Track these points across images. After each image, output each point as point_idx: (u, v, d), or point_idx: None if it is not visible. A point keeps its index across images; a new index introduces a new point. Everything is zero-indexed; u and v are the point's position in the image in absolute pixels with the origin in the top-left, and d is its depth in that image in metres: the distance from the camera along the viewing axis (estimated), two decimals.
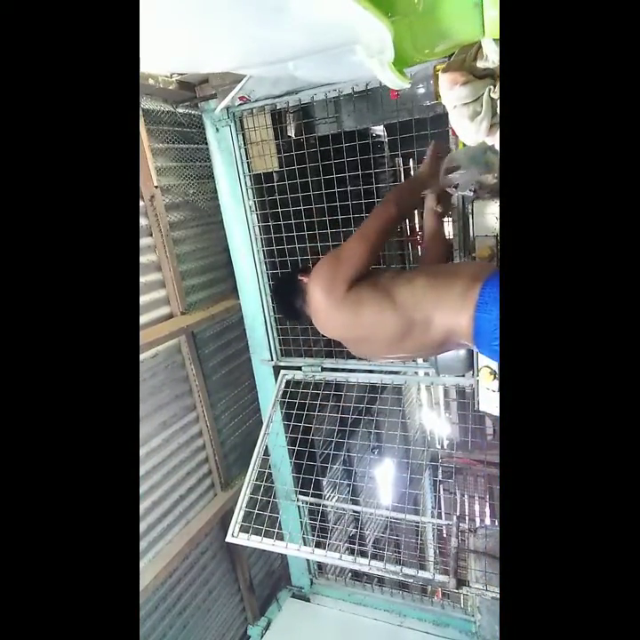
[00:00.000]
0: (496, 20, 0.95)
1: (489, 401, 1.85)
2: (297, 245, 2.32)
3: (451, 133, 1.86)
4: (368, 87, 1.92)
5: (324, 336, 1.52)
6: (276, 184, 2.36)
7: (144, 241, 2.31)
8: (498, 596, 1.85)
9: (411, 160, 4.33)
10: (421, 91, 1.78)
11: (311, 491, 2.71)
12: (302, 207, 2.28)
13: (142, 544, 2.34)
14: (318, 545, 2.16)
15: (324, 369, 2.50)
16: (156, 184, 2.28)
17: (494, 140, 1.35)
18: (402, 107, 2.04)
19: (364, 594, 2.91)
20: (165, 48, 1.44)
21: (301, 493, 2.73)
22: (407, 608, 2.79)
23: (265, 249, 2.42)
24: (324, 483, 3.39)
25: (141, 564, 2.31)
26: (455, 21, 1.01)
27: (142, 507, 2.33)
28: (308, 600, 3.03)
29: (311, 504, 2.77)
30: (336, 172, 2.14)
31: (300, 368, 2.56)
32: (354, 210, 2.18)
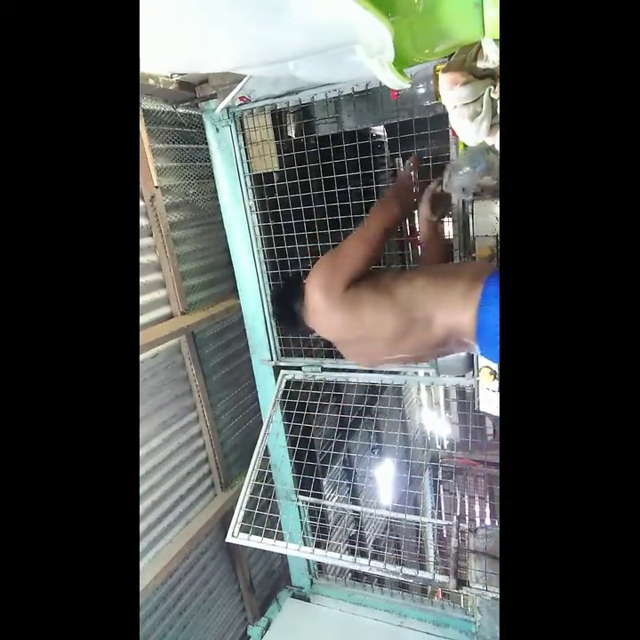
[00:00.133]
0: (496, 20, 0.95)
1: (489, 401, 1.85)
2: (297, 245, 2.32)
3: (451, 133, 1.86)
4: (368, 87, 1.92)
5: None
6: (276, 184, 2.36)
7: (144, 241, 2.32)
8: (498, 597, 1.85)
9: None
10: (421, 91, 1.78)
11: (311, 491, 2.70)
12: (302, 207, 2.28)
13: (142, 544, 2.34)
14: (318, 545, 2.16)
15: (324, 369, 2.49)
16: (156, 184, 2.28)
17: (494, 141, 1.35)
18: (402, 107, 2.04)
19: (364, 594, 2.90)
20: (165, 48, 1.44)
21: (301, 493, 2.73)
22: (407, 608, 2.79)
23: (265, 249, 2.42)
24: (324, 483, 3.39)
25: (141, 564, 2.31)
26: (455, 21, 1.01)
27: (142, 507, 2.33)
28: (308, 600, 3.02)
29: (311, 504, 2.77)
30: (336, 173, 2.14)
31: (300, 368, 2.56)
32: (354, 210, 2.18)
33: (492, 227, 1.70)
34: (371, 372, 2.49)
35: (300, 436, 2.56)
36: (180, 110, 2.37)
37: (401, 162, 4.32)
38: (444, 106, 1.36)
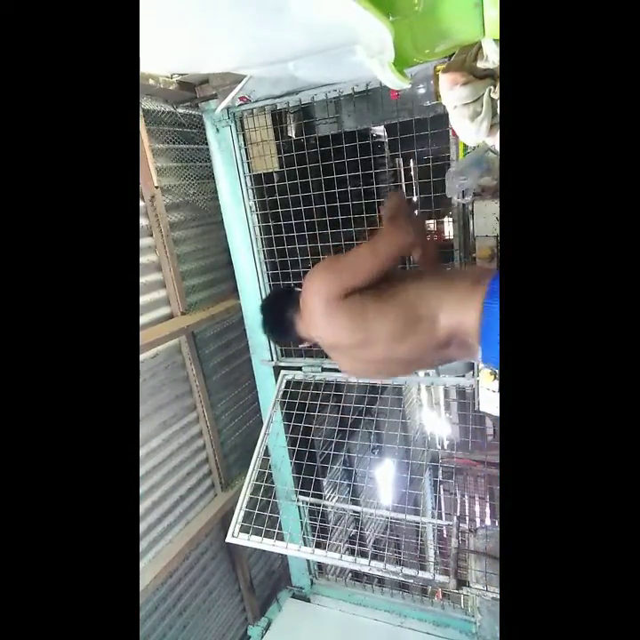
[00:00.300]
0: (496, 20, 0.95)
1: (489, 401, 1.85)
2: (297, 245, 2.32)
3: (451, 134, 1.86)
4: (368, 87, 1.92)
5: None
6: (276, 184, 2.36)
7: (144, 241, 2.31)
8: (498, 597, 1.85)
9: (411, 160, 4.32)
10: (422, 91, 1.78)
11: (311, 491, 2.70)
12: (302, 207, 2.28)
13: (142, 544, 2.34)
14: (318, 545, 2.16)
15: (324, 369, 2.50)
16: (156, 184, 2.28)
17: (494, 141, 1.35)
18: (402, 107, 2.04)
19: (365, 594, 2.90)
20: (166, 48, 1.44)
21: (301, 494, 2.73)
22: (407, 608, 2.79)
23: (265, 249, 2.42)
24: (325, 483, 3.39)
25: (141, 565, 2.31)
26: (455, 21, 1.01)
27: (142, 507, 2.33)
28: (308, 600, 3.03)
29: (311, 504, 2.77)
30: (336, 173, 2.15)
31: (300, 368, 2.56)
32: (354, 210, 2.18)
33: (491, 227, 1.70)
34: None
35: (300, 437, 2.56)
36: (181, 110, 2.37)
37: (401, 162, 4.33)
38: (444, 106, 1.37)
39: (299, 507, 2.76)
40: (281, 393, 2.53)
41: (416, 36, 1.04)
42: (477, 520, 5.68)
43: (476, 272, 1.27)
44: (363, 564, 1.96)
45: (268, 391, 2.66)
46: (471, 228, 1.76)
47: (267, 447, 2.49)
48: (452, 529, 2.09)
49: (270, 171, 2.29)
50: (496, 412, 1.82)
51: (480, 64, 1.23)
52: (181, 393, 2.56)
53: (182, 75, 2.08)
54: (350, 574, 3.05)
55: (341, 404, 2.94)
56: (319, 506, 2.85)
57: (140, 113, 2.16)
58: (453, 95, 1.27)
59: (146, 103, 2.20)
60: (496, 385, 1.76)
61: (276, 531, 2.10)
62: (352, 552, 3.30)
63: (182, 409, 2.57)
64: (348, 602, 2.93)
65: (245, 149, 2.29)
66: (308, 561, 2.99)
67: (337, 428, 2.70)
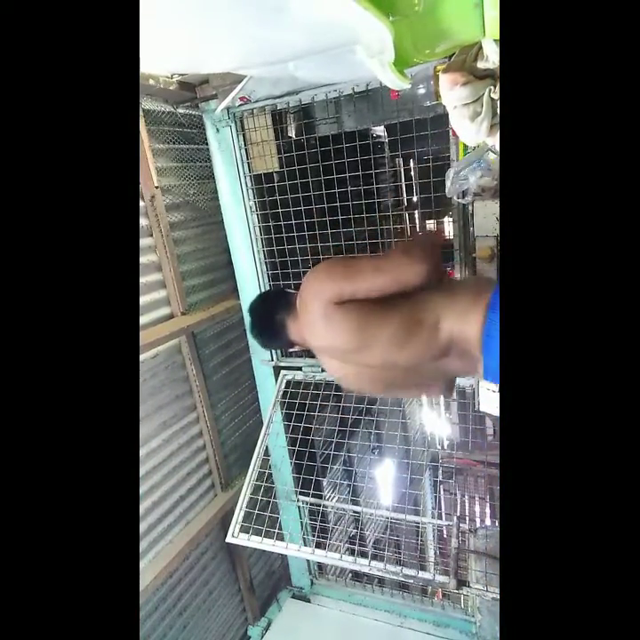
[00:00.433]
0: (496, 20, 0.95)
1: (489, 401, 1.85)
2: (297, 245, 2.32)
3: (451, 134, 1.86)
4: (368, 87, 1.93)
5: None
6: (276, 184, 2.36)
7: (144, 241, 2.32)
8: (498, 597, 1.85)
9: (411, 160, 4.32)
10: (422, 91, 1.78)
11: (311, 491, 2.70)
12: (302, 207, 2.28)
13: (143, 544, 2.34)
14: (318, 545, 2.16)
15: (324, 369, 2.49)
16: (156, 184, 2.28)
17: (494, 141, 1.35)
18: (402, 107, 2.04)
19: (365, 594, 2.91)
20: (166, 48, 1.44)
21: (302, 494, 2.73)
22: (407, 609, 2.79)
23: (265, 249, 2.42)
24: (325, 483, 3.39)
25: (142, 565, 2.31)
26: (455, 22, 1.01)
27: (142, 507, 2.33)
28: (308, 600, 3.03)
29: (311, 504, 2.77)
30: (336, 173, 2.15)
31: (300, 368, 2.56)
32: (354, 210, 2.18)
33: (492, 227, 1.70)
34: None
35: (300, 437, 2.56)
36: (181, 111, 2.37)
37: (401, 162, 4.33)
38: (444, 106, 1.37)
39: (299, 507, 2.76)
40: (281, 393, 2.53)
41: (416, 37, 1.04)
42: (477, 520, 5.67)
43: (481, 282, 1.25)
44: (363, 565, 1.96)
45: (268, 391, 2.66)
46: (471, 228, 1.76)
47: (267, 447, 2.49)
48: (452, 529, 2.09)
49: (270, 171, 2.30)
50: (496, 412, 1.82)
51: (480, 64, 1.23)
52: (181, 393, 2.56)
53: (182, 75, 2.08)
54: (350, 574, 3.05)
55: (341, 404, 2.94)
56: (319, 506, 2.85)
57: (141, 113, 2.16)
58: (453, 95, 1.27)
59: (146, 103, 2.20)
60: (496, 385, 1.76)
61: (276, 531, 2.10)
62: (352, 552, 3.30)
63: (182, 409, 2.57)
64: (348, 602, 2.93)
65: (245, 149, 2.29)
66: (307, 561, 2.99)
67: (337, 428, 2.70)
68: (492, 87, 1.25)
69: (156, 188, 2.29)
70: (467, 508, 6.06)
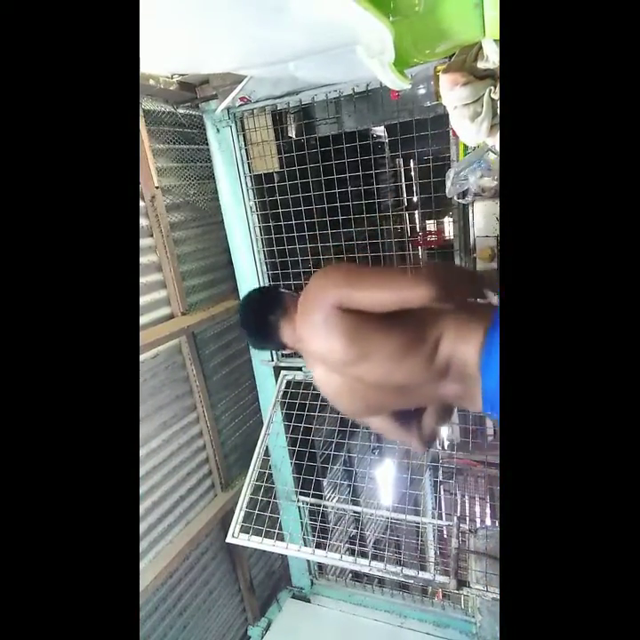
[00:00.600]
0: (496, 21, 0.95)
1: None
2: (297, 246, 2.32)
3: (451, 134, 1.86)
4: (369, 88, 1.93)
5: None
6: (276, 185, 2.36)
7: (145, 241, 2.31)
8: (498, 597, 1.85)
9: (411, 161, 4.32)
10: (422, 91, 1.78)
11: (311, 491, 2.70)
12: (303, 208, 2.28)
13: (143, 544, 2.33)
14: (319, 546, 2.16)
15: None
16: (156, 185, 2.28)
17: (494, 141, 1.35)
18: (402, 107, 2.04)
19: (365, 594, 2.90)
20: (166, 48, 1.44)
21: (302, 494, 2.73)
22: (408, 609, 2.79)
23: (265, 249, 2.42)
24: (325, 483, 3.38)
25: (142, 565, 2.31)
26: (455, 22, 1.01)
27: (142, 507, 2.33)
28: (308, 601, 3.03)
29: (311, 505, 2.77)
30: (337, 173, 2.15)
31: (300, 369, 2.56)
32: (354, 210, 2.18)
33: (492, 227, 1.70)
34: None
35: (300, 437, 2.56)
36: (181, 111, 2.37)
37: (401, 162, 4.33)
38: (444, 106, 1.37)
39: (299, 507, 2.76)
40: (281, 393, 2.53)
41: (416, 37, 1.04)
42: (477, 520, 5.66)
43: (482, 306, 1.22)
44: (363, 565, 1.96)
45: (268, 391, 2.66)
46: (471, 228, 1.76)
47: (267, 447, 2.49)
48: (452, 529, 2.09)
49: (270, 171, 2.30)
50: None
51: (480, 64, 1.23)
52: (181, 393, 2.56)
53: (182, 75, 2.09)
54: (350, 575, 3.05)
55: None
56: (319, 506, 2.85)
57: (141, 113, 2.16)
58: (454, 95, 1.27)
59: (146, 103, 2.20)
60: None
61: (277, 531, 2.10)
62: (352, 552, 3.30)
63: (182, 409, 2.57)
64: (349, 602, 2.93)
65: (246, 150, 2.29)
66: (308, 561, 2.99)
67: (337, 428, 2.70)
68: (492, 87, 1.25)
69: (157, 188, 2.29)
70: (467, 508, 6.05)
